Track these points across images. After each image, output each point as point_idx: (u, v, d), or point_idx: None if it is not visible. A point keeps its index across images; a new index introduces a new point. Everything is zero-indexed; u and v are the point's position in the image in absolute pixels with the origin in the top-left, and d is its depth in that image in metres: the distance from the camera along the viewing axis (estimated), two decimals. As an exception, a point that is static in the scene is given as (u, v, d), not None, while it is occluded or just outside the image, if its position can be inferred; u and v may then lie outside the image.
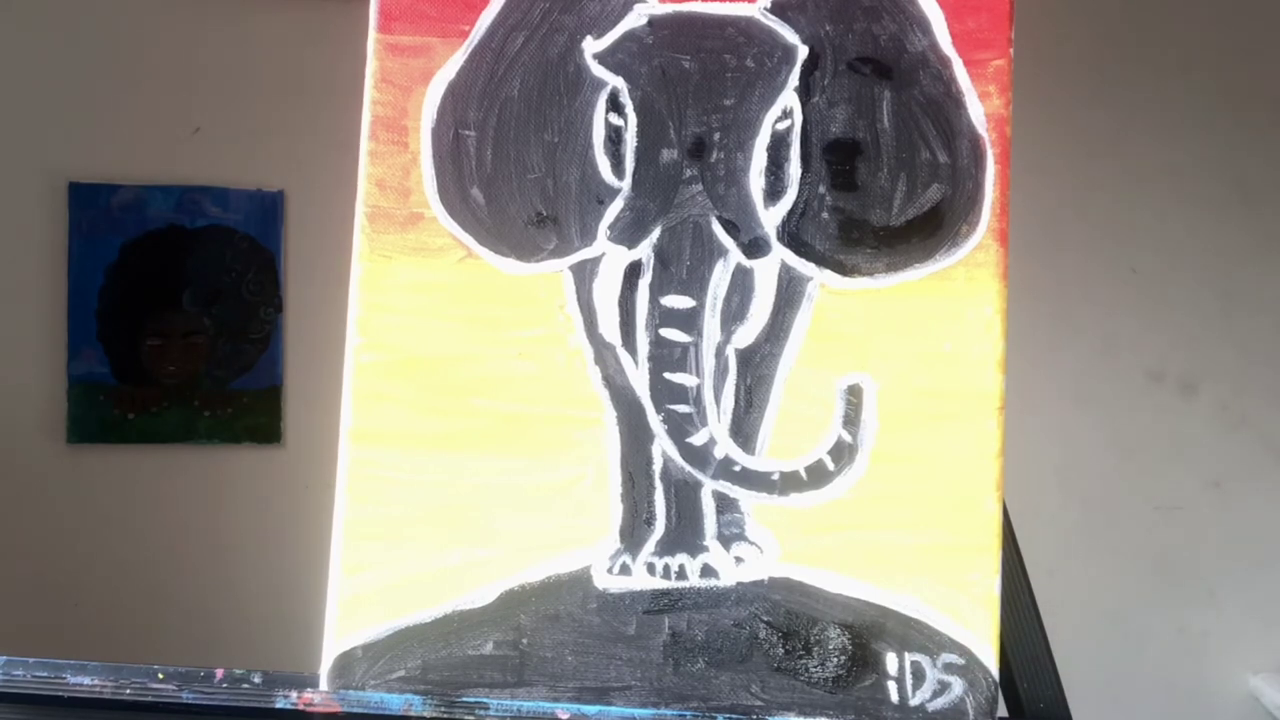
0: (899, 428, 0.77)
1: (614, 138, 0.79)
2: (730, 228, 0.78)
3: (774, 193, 0.78)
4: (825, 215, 0.78)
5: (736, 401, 0.78)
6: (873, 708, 0.76)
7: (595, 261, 0.79)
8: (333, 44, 1.70)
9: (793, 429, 0.78)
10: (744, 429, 0.78)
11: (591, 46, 0.79)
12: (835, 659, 0.76)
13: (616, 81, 0.79)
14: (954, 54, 0.79)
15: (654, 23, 0.79)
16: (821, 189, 0.79)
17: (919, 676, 0.76)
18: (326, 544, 0.77)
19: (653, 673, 0.76)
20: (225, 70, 1.86)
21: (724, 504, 0.78)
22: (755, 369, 0.78)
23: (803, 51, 0.79)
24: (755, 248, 0.78)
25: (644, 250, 0.78)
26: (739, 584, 0.77)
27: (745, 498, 0.78)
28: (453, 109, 0.79)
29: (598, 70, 0.79)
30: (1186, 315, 1.93)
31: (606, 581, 0.77)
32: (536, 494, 0.77)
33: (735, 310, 0.78)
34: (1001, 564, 0.76)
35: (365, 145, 0.79)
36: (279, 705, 0.77)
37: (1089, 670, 1.89)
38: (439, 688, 0.76)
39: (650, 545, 0.78)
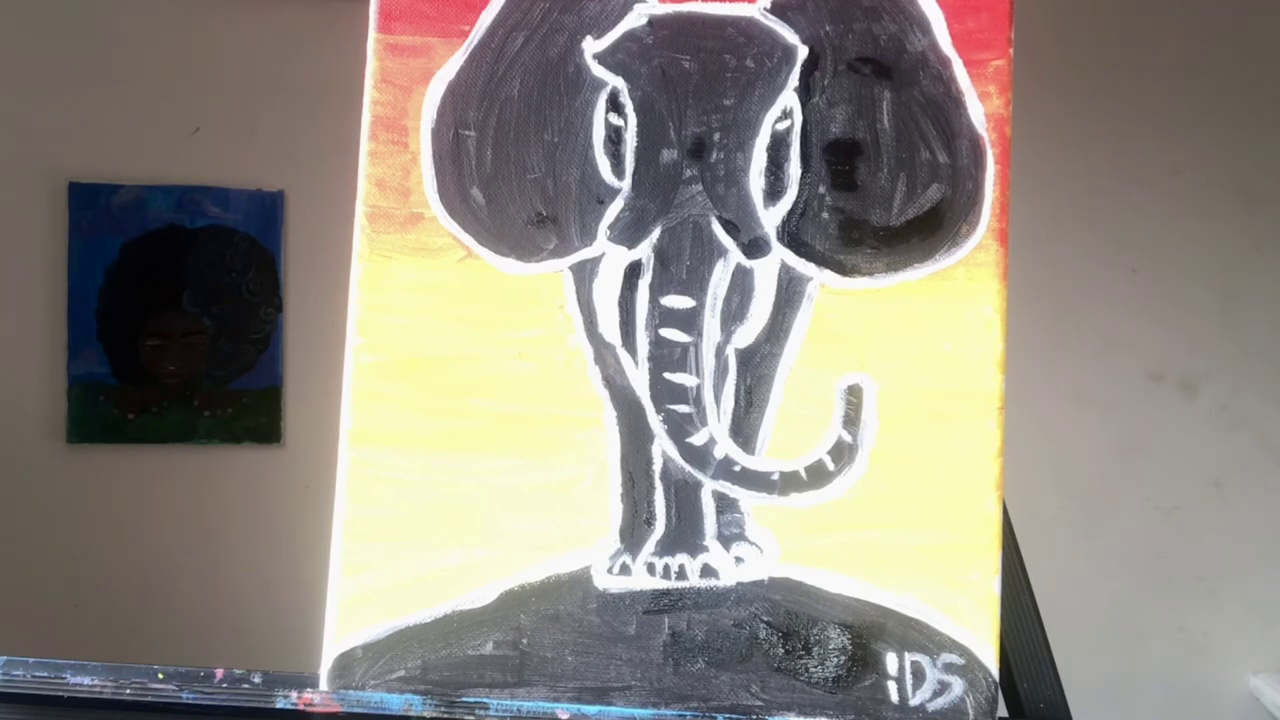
0: (899, 428, 0.77)
1: (614, 138, 0.79)
2: (730, 228, 0.78)
3: (774, 193, 0.78)
4: (825, 215, 0.78)
5: (736, 401, 0.78)
6: (873, 708, 0.76)
7: (595, 261, 0.79)
8: (333, 44, 1.70)
9: (793, 429, 0.78)
10: (744, 429, 0.78)
11: (591, 46, 0.79)
12: (835, 659, 0.76)
13: (616, 81, 0.79)
14: (954, 54, 0.79)
15: (654, 23, 0.79)
16: (821, 189, 0.79)
17: (919, 676, 0.76)
18: (326, 544, 0.77)
19: (653, 673, 0.76)
20: (225, 70, 1.86)
21: (724, 504, 0.78)
22: (755, 369, 0.78)
23: (803, 51, 0.79)
24: (755, 248, 0.78)
25: (644, 250, 0.78)
26: (739, 584, 0.77)
27: (745, 498, 0.78)
28: (453, 109, 0.79)
29: (598, 70, 0.79)
30: (1186, 315, 1.93)
31: (606, 581, 0.77)
32: (536, 494, 0.77)
33: (735, 310, 0.78)
34: (1001, 564, 0.76)
35: (365, 145, 0.79)
36: (279, 705, 0.77)
37: (1089, 670, 1.89)
38: (439, 688, 0.76)
39: (650, 545, 0.78)
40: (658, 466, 0.78)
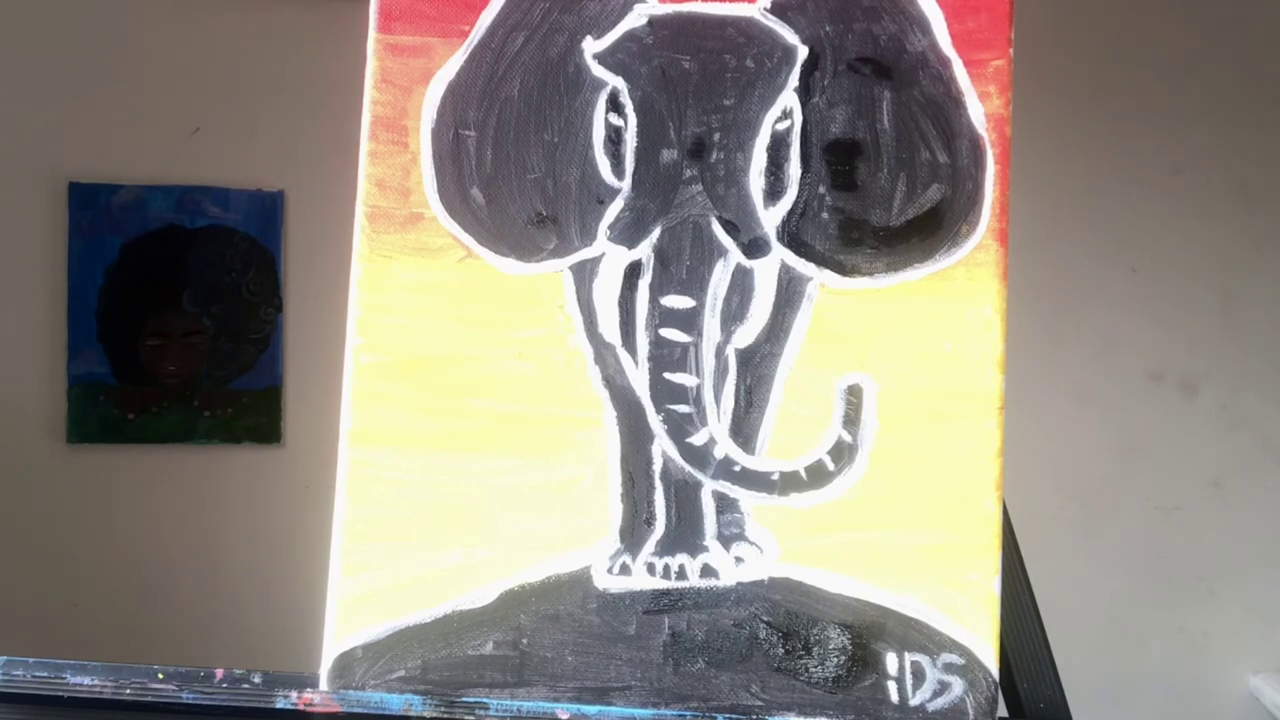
0: (899, 428, 0.77)
1: (614, 138, 0.79)
2: (730, 228, 0.78)
3: (774, 193, 0.78)
4: (825, 215, 0.78)
5: (736, 401, 0.78)
6: (873, 708, 0.76)
7: (595, 261, 0.79)
8: (333, 44, 1.70)
9: (793, 429, 0.78)
10: (744, 429, 0.78)
11: (591, 46, 0.79)
12: (835, 659, 0.76)
13: (616, 81, 0.79)
14: (954, 54, 0.79)
15: (654, 23, 0.79)
16: (821, 189, 0.79)
17: (919, 676, 0.76)
18: (326, 544, 0.77)
19: (653, 673, 0.76)
20: (225, 70, 1.86)
21: (724, 504, 0.78)
22: (755, 369, 0.78)
23: (803, 52, 0.79)
24: (755, 248, 0.78)
25: (644, 250, 0.78)
26: (739, 584, 0.77)
27: (745, 498, 0.78)
28: (453, 109, 0.79)
29: (598, 70, 0.79)
30: (1186, 315, 1.93)
31: (606, 581, 0.77)
32: (536, 494, 0.77)
33: (735, 310, 0.78)
34: (1001, 564, 0.76)
35: (365, 145, 0.79)
36: (279, 705, 0.77)
37: (1089, 670, 1.89)
38: (439, 688, 0.76)
39: (650, 545, 0.78)
40: (658, 466, 0.78)
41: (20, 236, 1.84)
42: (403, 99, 0.79)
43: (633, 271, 0.78)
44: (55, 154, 1.84)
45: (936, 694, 0.76)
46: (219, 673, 0.78)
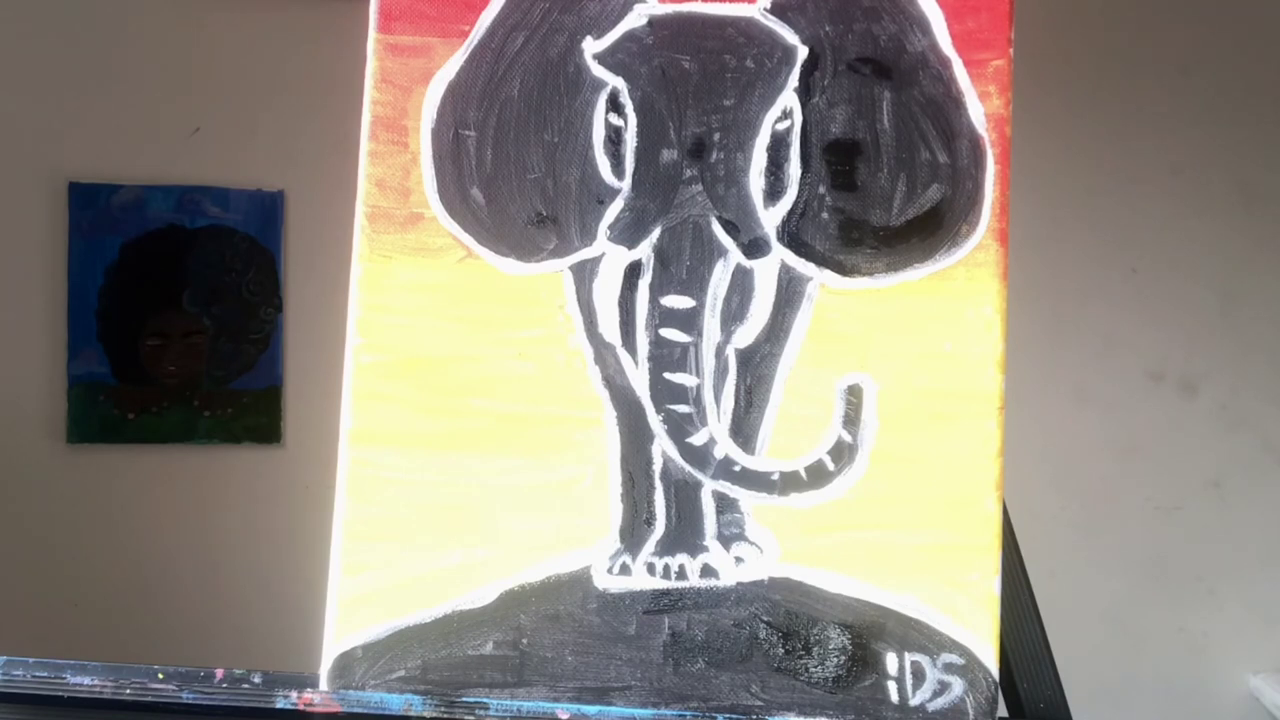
0: (899, 428, 0.77)
1: (614, 138, 0.79)
2: (730, 228, 0.78)
3: (774, 193, 0.78)
4: (825, 215, 0.78)
5: (736, 401, 0.78)
6: (873, 708, 0.76)
7: (595, 261, 0.79)
8: (333, 44, 1.70)
9: (793, 429, 0.78)
10: (744, 429, 0.78)
11: (591, 46, 0.79)
12: (835, 659, 0.76)
13: (616, 81, 0.79)
14: (954, 54, 0.79)
15: (654, 23, 0.79)
16: (821, 189, 0.79)
17: (919, 676, 0.76)
18: (326, 544, 0.77)
19: (653, 673, 0.76)
20: (225, 70, 1.86)
21: (724, 504, 0.78)
22: (755, 369, 0.78)
23: (802, 52, 0.79)
24: (755, 248, 0.78)
25: (644, 250, 0.78)
26: (739, 584, 0.77)
27: (745, 498, 0.78)
28: (453, 109, 0.79)
29: (598, 70, 0.79)
30: (1186, 315, 1.93)
31: (606, 581, 0.77)
32: (536, 494, 0.77)
33: (735, 310, 0.78)
34: (1001, 564, 0.76)
35: (365, 145, 0.79)
36: (279, 705, 0.77)
37: (1089, 670, 1.89)
38: (439, 688, 0.76)
39: (650, 545, 0.78)
40: (658, 466, 0.78)
41: (20, 236, 1.84)
42: (403, 99, 0.79)
43: (633, 271, 0.78)
44: (55, 154, 1.84)
45: (936, 694, 0.76)
46: (219, 673, 0.78)
